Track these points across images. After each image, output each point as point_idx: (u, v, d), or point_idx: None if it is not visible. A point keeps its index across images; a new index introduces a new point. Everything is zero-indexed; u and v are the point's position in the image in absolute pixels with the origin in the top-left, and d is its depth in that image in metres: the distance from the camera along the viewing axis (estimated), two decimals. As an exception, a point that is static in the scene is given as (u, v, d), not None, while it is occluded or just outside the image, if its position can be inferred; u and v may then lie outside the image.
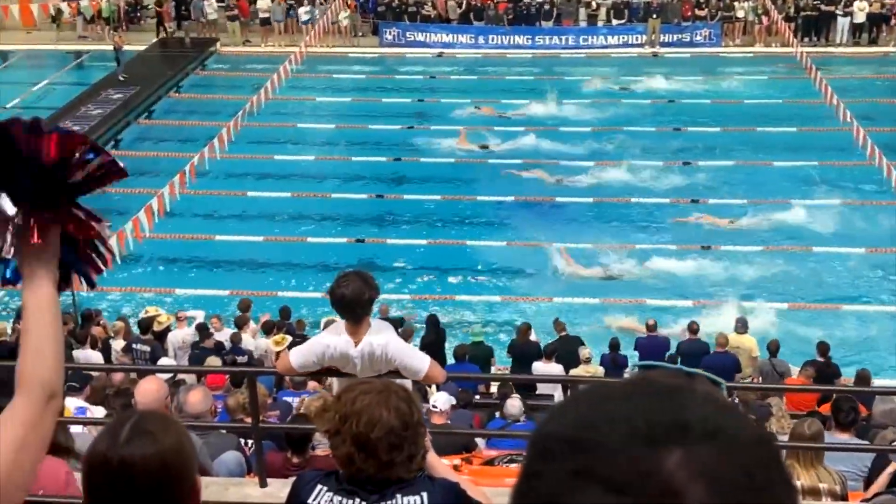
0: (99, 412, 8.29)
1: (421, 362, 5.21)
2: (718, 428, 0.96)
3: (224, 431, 6.88)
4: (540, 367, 13.43)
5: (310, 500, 2.71)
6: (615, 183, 22.68)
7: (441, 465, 3.02)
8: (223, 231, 20.76)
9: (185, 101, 28.92)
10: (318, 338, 5.48)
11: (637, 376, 1.08)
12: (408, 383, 5.51)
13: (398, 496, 2.64)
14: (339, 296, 5.09)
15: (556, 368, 13.55)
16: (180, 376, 12.58)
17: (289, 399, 10.37)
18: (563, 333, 14.42)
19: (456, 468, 7.56)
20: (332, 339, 5.32)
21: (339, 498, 2.68)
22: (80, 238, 2.09)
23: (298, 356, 5.30)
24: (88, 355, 13.06)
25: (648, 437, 0.95)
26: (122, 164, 2.13)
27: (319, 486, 2.72)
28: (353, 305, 5.11)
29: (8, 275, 2.07)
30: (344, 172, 23.73)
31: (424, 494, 2.66)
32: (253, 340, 14.70)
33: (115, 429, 2.18)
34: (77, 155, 2.01)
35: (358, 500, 2.66)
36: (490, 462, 8.15)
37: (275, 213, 21.76)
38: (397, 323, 13.90)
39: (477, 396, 11.74)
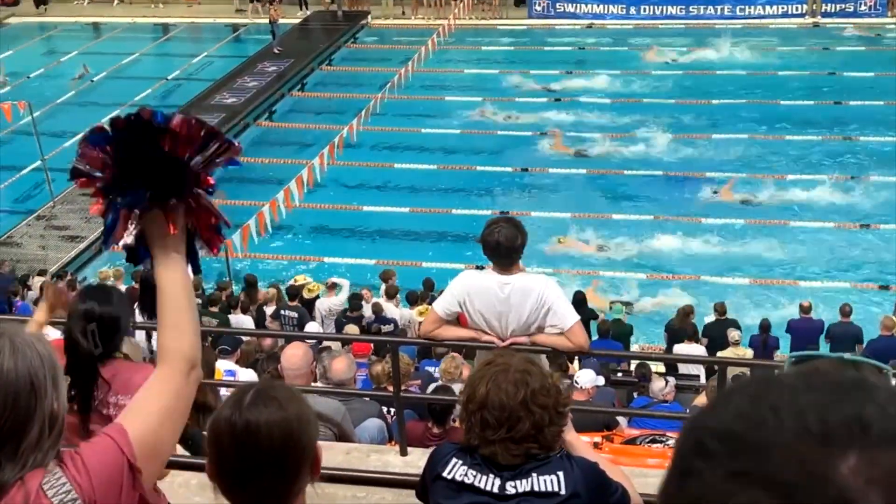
0: (248, 375, 8.56)
1: (572, 315, 5.09)
2: None
3: (367, 399, 6.98)
4: (683, 348, 13.14)
5: (444, 473, 2.68)
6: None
7: (580, 444, 2.94)
8: (370, 202, 21.09)
9: (335, 73, 29.44)
10: (457, 277, 5.46)
11: (806, 367, 0.95)
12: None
13: (534, 475, 2.59)
14: (494, 242, 5.04)
15: (698, 350, 13.23)
16: (326, 343, 12.98)
17: (430, 369, 10.46)
18: (721, 317, 14.00)
19: (596, 446, 7.47)
20: (474, 273, 5.31)
21: (474, 472, 2.64)
22: (201, 223, 2.14)
23: (441, 302, 5.25)
24: (241, 320, 13.52)
25: (821, 437, 0.83)
26: (235, 142, 2.17)
27: (455, 460, 2.69)
28: (508, 251, 5.06)
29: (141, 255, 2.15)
30: (489, 146, 23.69)
31: (560, 474, 2.59)
32: (397, 310, 14.90)
33: (240, 395, 2.22)
34: (199, 139, 2.06)
35: (492, 476, 2.62)
36: (632, 441, 8.00)
37: (420, 184, 21.95)
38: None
39: (619, 374, 11.54)
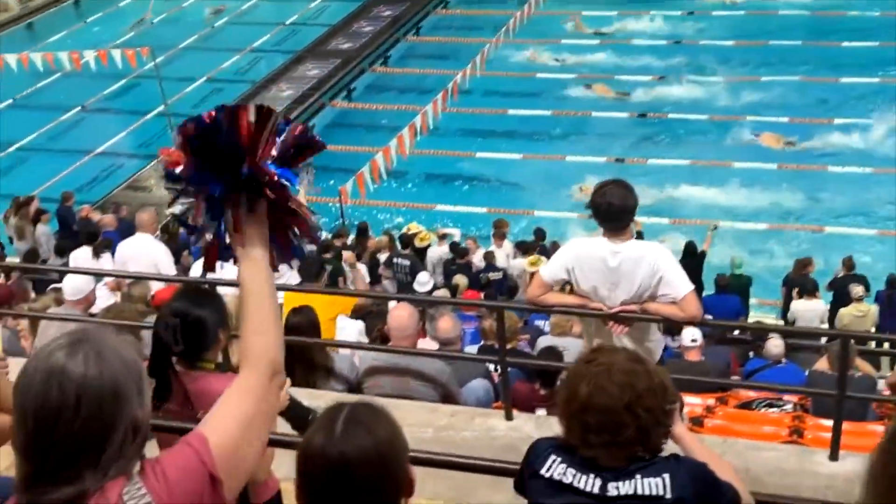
0: (357, 326, 8.63)
1: (686, 284, 4.89)
2: None
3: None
4: (801, 304, 12.69)
5: (542, 471, 2.58)
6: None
7: (689, 438, 2.79)
8: (483, 148, 20.95)
9: (451, 16, 29.15)
10: (567, 243, 5.31)
11: None
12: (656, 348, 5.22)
13: (637, 477, 2.46)
14: (607, 204, 4.85)
15: (818, 306, 12.77)
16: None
17: (539, 322, 10.37)
18: (849, 272, 13.45)
19: (710, 409, 7.28)
20: (584, 240, 5.15)
21: (573, 472, 2.53)
22: (285, 221, 2.08)
23: (547, 268, 5.12)
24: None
25: None
26: (317, 137, 2.09)
27: (553, 457, 2.58)
28: (621, 212, 4.87)
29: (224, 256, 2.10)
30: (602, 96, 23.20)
31: (667, 476, 2.46)
32: (508, 260, 14.83)
33: (330, 423, 2.17)
34: (267, 132, 1.98)
35: (592, 476, 2.50)
36: (747, 405, 7.76)
37: (534, 131, 21.67)
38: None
39: (735, 332, 11.24)
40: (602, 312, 5.01)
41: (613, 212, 4.86)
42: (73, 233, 15.57)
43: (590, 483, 2.50)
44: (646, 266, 4.84)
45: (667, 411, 2.56)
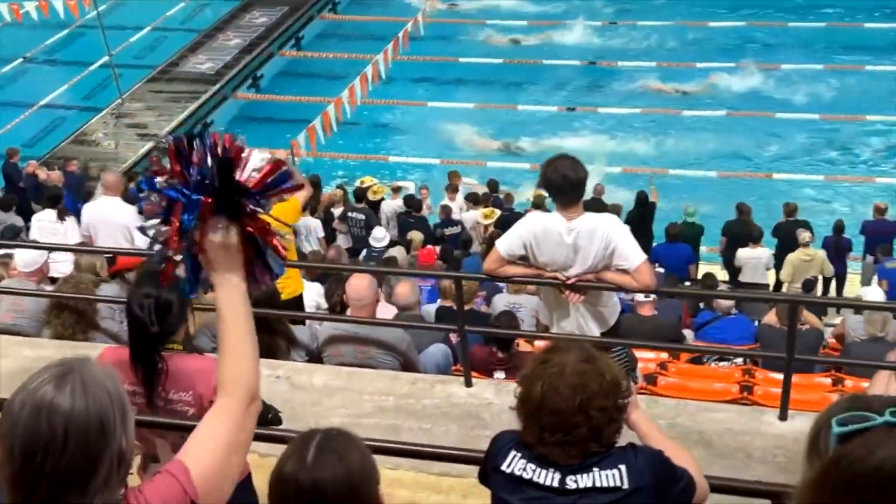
0: (315, 289, 8.66)
1: (639, 254, 5.00)
2: None
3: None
4: (745, 252, 12.89)
5: (503, 466, 2.66)
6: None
7: (646, 427, 2.88)
8: (435, 97, 20.86)
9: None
10: (522, 219, 5.37)
11: None
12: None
13: (595, 470, 2.55)
14: (561, 176, 4.94)
15: (763, 253, 12.97)
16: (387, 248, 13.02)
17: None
18: (791, 218, 13.65)
19: (663, 366, 7.45)
20: (539, 216, 5.21)
21: (533, 467, 2.61)
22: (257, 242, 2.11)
23: (503, 242, 5.19)
24: (308, 223, 13.52)
25: None
26: (297, 177, 2.14)
27: (514, 453, 2.65)
28: (575, 185, 4.96)
29: (197, 281, 2.12)
30: (557, 41, 23.14)
31: (623, 467, 2.55)
32: (462, 212, 14.85)
33: (302, 450, 2.22)
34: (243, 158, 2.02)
35: (551, 470, 2.59)
36: (698, 360, 7.96)
37: (486, 79, 21.59)
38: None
39: (687, 283, 11.45)
40: (559, 282, 5.10)
41: (567, 184, 4.94)
42: (19, 189, 15.31)
43: (549, 478, 2.58)
44: (599, 239, 4.94)
45: (620, 407, 2.65)
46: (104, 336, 6.79)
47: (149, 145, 19.31)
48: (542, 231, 5.01)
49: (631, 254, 4.96)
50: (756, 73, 20.42)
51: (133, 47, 23.82)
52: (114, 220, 8.83)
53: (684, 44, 22.21)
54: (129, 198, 13.83)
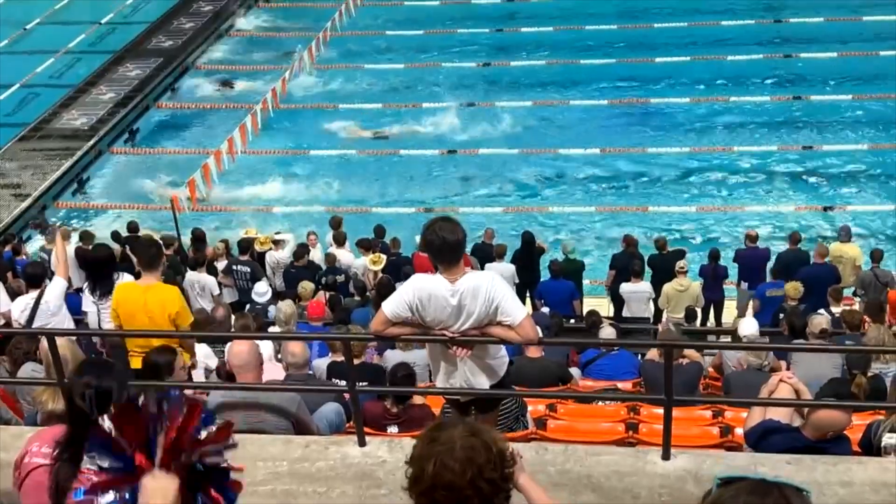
0: (201, 350, 8.57)
1: (520, 310, 5.16)
2: None
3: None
4: (628, 287, 13.31)
5: None
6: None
7: (534, 492, 3.00)
8: (316, 145, 20.85)
9: (276, 9, 28.65)
10: (407, 282, 5.46)
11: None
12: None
13: None
14: (441, 239, 5.07)
15: (644, 287, 13.42)
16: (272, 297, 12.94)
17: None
18: (665, 251, 14.16)
19: (551, 408, 7.62)
20: (423, 279, 5.31)
21: None
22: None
23: (390, 305, 5.27)
24: (201, 277, 13.33)
25: None
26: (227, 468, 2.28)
27: None
28: (455, 247, 5.10)
29: None
30: (431, 78, 23.51)
31: None
32: (349, 257, 14.82)
33: None
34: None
35: None
36: (587, 400, 8.16)
37: (367, 123, 21.74)
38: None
39: (573, 321, 11.73)
40: (445, 338, 5.20)
41: (448, 246, 5.07)
42: None
43: None
44: (483, 297, 5.08)
45: (507, 475, 2.76)
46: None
47: (24, 205, 18.76)
48: (427, 295, 5.12)
49: (513, 310, 5.11)
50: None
51: (3, 105, 23.17)
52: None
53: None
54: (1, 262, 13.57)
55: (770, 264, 13.83)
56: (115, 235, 15.35)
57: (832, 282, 12.77)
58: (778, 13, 25.27)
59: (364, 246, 14.97)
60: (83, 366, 4.07)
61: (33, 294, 8.18)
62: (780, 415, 5.60)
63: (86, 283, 8.46)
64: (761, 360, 8.00)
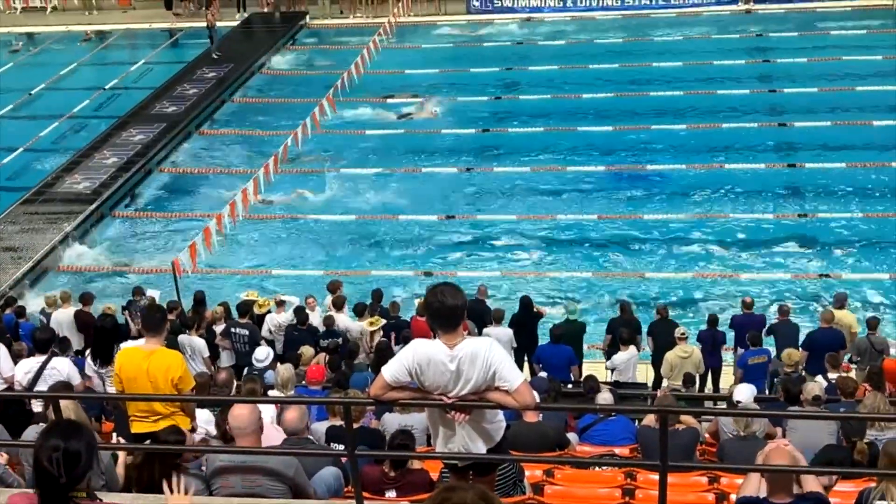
0: (204, 415, 8.61)
1: (518, 376, 5.26)
2: None
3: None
4: (619, 356, 13.33)
5: None
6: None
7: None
8: (316, 210, 21.03)
9: (278, 76, 29.20)
10: (407, 347, 5.55)
11: None
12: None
13: None
14: (440, 303, 5.18)
15: (632, 352, 13.37)
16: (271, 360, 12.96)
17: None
18: (660, 317, 14.24)
19: (549, 474, 7.65)
20: (423, 344, 5.40)
21: None
22: None
23: (390, 370, 5.37)
24: (192, 342, 13.40)
25: None
26: None
27: None
28: (455, 311, 5.19)
29: None
30: (434, 145, 23.81)
31: None
32: (347, 321, 14.86)
33: None
34: None
35: None
36: (584, 465, 8.19)
37: (365, 189, 21.94)
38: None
39: (569, 386, 11.77)
40: (443, 403, 5.28)
41: (448, 311, 5.17)
42: None
43: None
44: (481, 364, 5.17)
45: None
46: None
47: (25, 268, 18.87)
48: (426, 360, 5.22)
49: (511, 376, 5.20)
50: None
51: (5, 168, 23.42)
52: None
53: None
54: (1, 327, 13.62)
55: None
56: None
57: (838, 347, 12.83)
58: (771, 83, 25.82)
59: (359, 311, 15.01)
60: (51, 428, 4.03)
61: (39, 358, 8.25)
62: (754, 488, 5.65)
63: (88, 351, 8.56)
64: (747, 430, 8.02)
